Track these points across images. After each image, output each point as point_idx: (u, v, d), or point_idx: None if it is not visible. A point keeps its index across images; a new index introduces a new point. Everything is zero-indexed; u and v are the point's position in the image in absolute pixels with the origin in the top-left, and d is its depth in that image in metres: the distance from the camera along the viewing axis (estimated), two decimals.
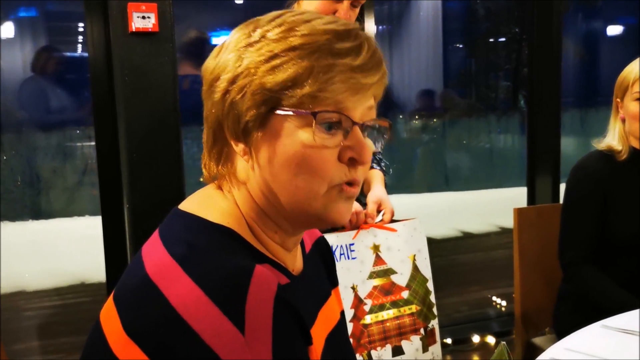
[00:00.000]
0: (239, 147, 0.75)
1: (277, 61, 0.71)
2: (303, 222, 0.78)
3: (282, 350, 0.64)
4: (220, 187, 0.79)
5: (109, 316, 0.68)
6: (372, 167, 1.87)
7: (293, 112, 0.71)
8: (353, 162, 0.74)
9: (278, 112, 0.72)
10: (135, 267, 0.70)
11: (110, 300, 0.70)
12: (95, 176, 2.44)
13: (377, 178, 1.83)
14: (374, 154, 1.91)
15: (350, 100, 0.73)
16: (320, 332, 0.83)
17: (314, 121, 0.71)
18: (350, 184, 0.75)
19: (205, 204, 0.77)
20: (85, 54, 3.77)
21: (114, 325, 0.66)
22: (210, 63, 0.78)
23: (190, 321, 0.62)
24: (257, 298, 0.64)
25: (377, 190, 1.75)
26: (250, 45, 0.73)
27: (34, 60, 3.48)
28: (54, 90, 3.68)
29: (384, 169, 1.89)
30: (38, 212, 3.98)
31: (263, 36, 0.73)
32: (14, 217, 3.68)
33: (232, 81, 0.73)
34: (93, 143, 2.46)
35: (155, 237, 0.74)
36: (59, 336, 3.12)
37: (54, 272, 3.84)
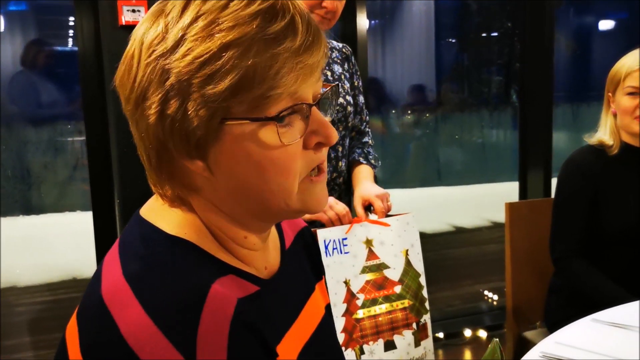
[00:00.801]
0: (195, 165, 0.67)
1: (211, 67, 0.62)
2: (280, 218, 0.75)
3: None
4: (178, 199, 0.72)
5: (72, 331, 0.67)
6: (359, 162, 1.86)
7: (249, 119, 0.65)
8: (320, 146, 0.71)
9: (231, 122, 0.64)
10: (94, 283, 0.68)
11: (74, 316, 0.68)
12: (85, 171, 2.43)
13: (364, 174, 1.82)
14: (363, 146, 1.91)
15: (302, 87, 0.66)
16: (302, 330, 0.80)
17: (276, 124, 0.65)
18: (317, 169, 0.72)
19: (163, 212, 0.72)
20: (76, 48, 3.75)
21: (75, 341, 0.65)
22: (124, 76, 0.68)
23: (139, 353, 0.59)
24: (211, 326, 0.61)
25: (363, 189, 1.74)
26: (170, 51, 0.63)
27: (23, 54, 3.45)
28: (45, 85, 3.65)
29: (373, 162, 1.88)
30: (29, 207, 3.96)
31: (182, 36, 0.63)
32: (5, 212, 3.66)
33: (164, 100, 0.64)
34: (84, 138, 2.45)
35: (115, 247, 0.71)
36: (50, 332, 3.10)
37: (45, 267, 3.83)
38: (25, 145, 3.76)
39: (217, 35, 0.62)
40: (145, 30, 0.66)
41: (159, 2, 0.69)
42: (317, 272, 0.93)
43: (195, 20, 0.64)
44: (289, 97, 0.66)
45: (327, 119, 0.72)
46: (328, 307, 0.92)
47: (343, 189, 1.86)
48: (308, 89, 0.68)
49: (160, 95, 0.64)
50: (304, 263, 0.90)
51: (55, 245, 4.08)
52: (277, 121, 0.65)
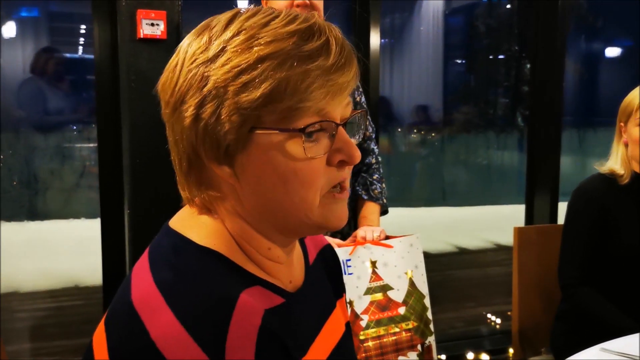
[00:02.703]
0: (223, 172, 0.71)
1: (247, 77, 0.66)
2: (301, 233, 0.77)
3: None
4: (206, 208, 0.75)
5: (100, 339, 0.68)
6: (363, 199, 1.86)
7: (279, 130, 0.68)
8: (343, 164, 0.73)
9: (260, 131, 0.68)
10: (123, 291, 0.69)
11: (102, 322, 0.69)
12: (92, 178, 2.43)
13: (367, 218, 1.83)
14: (367, 171, 1.90)
15: (331, 104, 0.70)
16: (324, 346, 0.81)
17: (302, 136, 0.68)
18: (340, 187, 0.74)
19: (193, 223, 0.74)
20: (86, 56, 3.76)
21: (103, 348, 0.66)
22: (166, 82, 0.72)
23: (168, 357, 0.61)
24: (239, 333, 0.63)
25: (363, 231, 1.77)
26: (211, 60, 0.68)
27: (34, 60, 3.47)
28: (54, 91, 3.67)
29: (375, 194, 1.87)
30: (34, 213, 3.96)
31: (223, 48, 0.68)
32: (10, 217, 3.66)
33: (201, 104, 0.68)
34: (92, 145, 2.46)
35: (145, 256, 0.73)
36: (51, 339, 3.09)
37: (48, 273, 3.82)
38: (33, 151, 3.77)
39: (255, 48, 0.67)
40: (190, 42, 0.71)
41: (207, 20, 0.74)
42: (338, 289, 0.95)
43: (237, 34, 0.68)
44: (317, 113, 0.69)
45: (354, 141, 0.74)
46: (348, 325, 0.94)
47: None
48: (336, 108, 0.71)
49: (197, 100, 0.68)
50: (325, 280, 0.92)
51: (59, 251, 4.07)
52: (304, 134, 0.68)
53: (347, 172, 0.75)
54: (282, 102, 0.67)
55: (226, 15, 0.72)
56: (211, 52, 0.68)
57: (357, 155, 0.73)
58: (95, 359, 0.67)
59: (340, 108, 0.72)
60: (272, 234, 0.75)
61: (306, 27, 0.69)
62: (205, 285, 0.67)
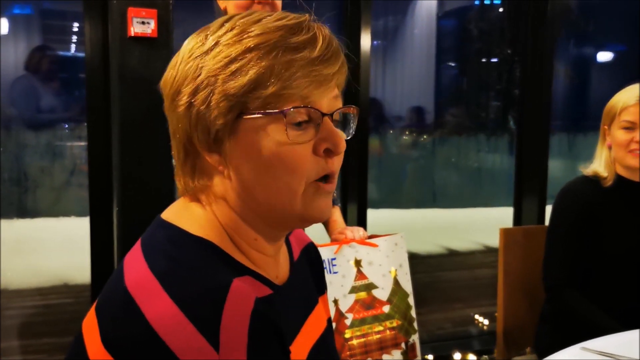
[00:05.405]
0: (212, 159, 0.74)
1: (235, 65, 0.71)
2: (285, 224, 0.78)
3: None
4: (197, 199, 0.78)
5: (90, 326, 0.69)
6: (333, 204, 1.89)
7: (262, 114, 0.71)
8: (329, 153, 0.75)
9: (246, 116, 0.72)
10: (116, 278, 0.71)
11: (92, 310, 0.70)
12: (83, 176, 2.43)
13: (335, 222, 1.86)
14: None
15: (315, 93, 0.73)
16: (305, 341, 0.83)
17: (284, 119, 0.71)
18: (326, 178, 0.76)
19: (186, 215, 0.77)
20: (79, 54, 3.75)
21: (94, 336, 0.67)
22: (168, 77, 0.77)
23: (165, 338, 0.62)
24: (233, 315, 0.65)
25: (350, 231, 1.79)
26: (205, 53, 0.73)
27: (26, 58, 3.47)
28: (46, 89, 3.67)
29: (337, 199, 1.92)
30: (24, 211, 3.95)
31: (217, 42, 0.73)
32: (0, 214, 3.65)
33: (194, 92, 0.72)
34: (82, 143, 2.46)
35: (137, 247, 0.75)
36: (39, 336, 3.09)
37: (37, 271, 3.81)
38: (24, 148, 3.76)
39: (245, 40, 0.72)
40: (189, 41, 0.77)
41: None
42: (321, 286, 0.97)
43: (230, 30, 0.74)
44: (301, 100, 0.72)
45: (344, 135, 0.78)
46: (329, 321, 0.96)
47: None
48: (321, 99, 0.74)
49: (191, 89, 0.73)
50: (308, 277, 0.94)
51: (48, 249, 4.06)
52: (285, 117, 0.71)
53: (336, 165, 0.77)
54: (266, 88, 0.70)
55: (225, 17, 0.77)
56: (206, 46, 0.73)
57: (342, 144, 0.76)
58: (86, 346, 0.68)
59: (328, 99, 0.75)
60: (258, 223, 0.77)
61: (295, 23, 0.73)
62: (200, 272, 0.69)
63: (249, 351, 0.64)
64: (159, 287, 0.66)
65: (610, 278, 1.87)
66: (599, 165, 1.90)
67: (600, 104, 1.94)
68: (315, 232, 1.25)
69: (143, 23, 2.15)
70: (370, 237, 1.77)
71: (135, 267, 0.71)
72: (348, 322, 1.65)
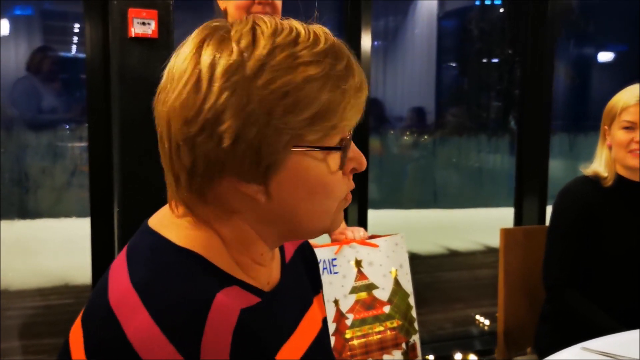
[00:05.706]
0: (250, 189, 0.70)
1: (294, 97, 0.67)
2: (304, 238, 0.80)
3: None
4: (193, 212, 0.73)
5: (76, 336, 0.68)
6: None
7: (319, 148, 0.70)
8: (353, 171, 0.77)
9: (299, 149, 0.69)
10: (101, 289, 0.70)
11: (78, 320, 0.70)
12: (84, 177, 2.43)
13: None
14: None
15: (355, 120, 0.74)
16: (300, 342, 0.82)
17: (340, 152, 0.72)
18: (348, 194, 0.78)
19: (173, 224, 0.74)
20: (80, 55, 3.76)
21: (79, 346, 0.67)
22: (188, 99, 0.67)
23: (144, 358, 0.62)
24: (214, 333, 0.64)
25: (350, 231, 1.79)
26: (250, 79, 0.66)
27: (27, 59, 3.47)
28: (47, 90, 3.67)
29: None
30: (25, 211, 3.95)
31: (262, 65, 0.67)
32: (1, 215, 3.65)
33: (243, 124, 0.66)
34: (83, 144, 2.46)
35: (122, 255, 0.74)
36: (40, 337, 3.09)
37: (38, 272, 3.81)
38: (25, 149, 3.77)
39: (300, 68, 0.68)
40: (214, 55, 0.68)
41: (204, 29, 0.72)
42: (316, 286, 0.96)
43: (272, 51, 0.68)
44: (349, 129, 0.74)
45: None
46: (325, 321, 0.95)
47: None
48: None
49: (239, 120, 0.66)
50: (302, 277, 0.93)
51: (49, 250, 4.06)
52: (341, 150, 0.72)
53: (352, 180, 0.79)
54: (326, 121, 0.69)
55: (243, 28, 0.70)
56: (249, 70, 0.66)
57: (365, 162, 0.77)
58: (71, 355, 0.68)
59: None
60: (275, 240, 0.77)
61: (330, 46, 0.71)
62: (181, 285, 0.67)
63: None
64: (139, 302, 0.65)
65: (611, 278, 1.87)
66: (599, 165, 1.91)
67: (600, 104, 1.94)
68: None
69: (143, 24, 2.15)
70: (371, 237, 1.77)
71: (118, 279, 0.69)
72: (349, 322, 1.65)
